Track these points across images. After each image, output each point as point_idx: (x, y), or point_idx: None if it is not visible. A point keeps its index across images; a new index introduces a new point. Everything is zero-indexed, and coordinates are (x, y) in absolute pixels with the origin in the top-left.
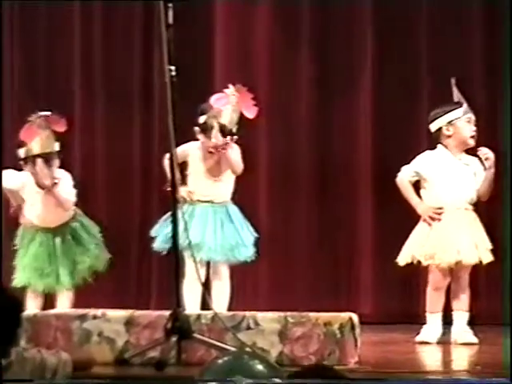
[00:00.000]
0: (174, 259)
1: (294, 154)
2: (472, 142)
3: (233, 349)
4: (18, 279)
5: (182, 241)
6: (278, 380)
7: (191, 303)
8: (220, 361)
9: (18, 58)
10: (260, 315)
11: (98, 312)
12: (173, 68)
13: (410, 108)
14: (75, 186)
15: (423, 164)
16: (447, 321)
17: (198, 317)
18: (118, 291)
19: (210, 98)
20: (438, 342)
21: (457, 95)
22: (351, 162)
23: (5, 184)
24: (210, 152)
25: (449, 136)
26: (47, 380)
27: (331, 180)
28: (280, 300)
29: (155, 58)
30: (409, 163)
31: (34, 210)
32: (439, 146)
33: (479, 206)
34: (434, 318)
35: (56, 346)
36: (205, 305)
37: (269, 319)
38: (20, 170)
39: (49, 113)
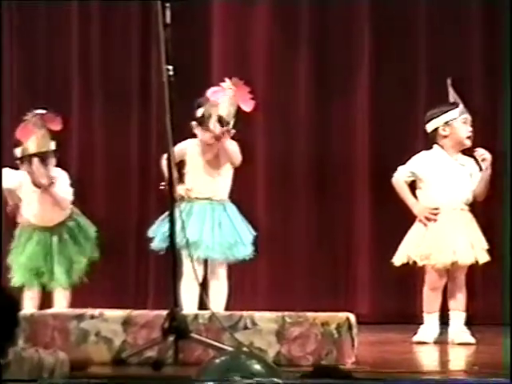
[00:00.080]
0: (171, 258)
1: (292, 152)
2: (468, 143)
3: (230, 349)
4: (15, 279)
5: (180, 240)
6: (276, 380)
7: (189, 303)
8: (217, 361)
9: (17, 58)
10: (257, 315)
11: (96, 312)
12: (171, 67)
13: (408, 107)
14: (72, 185)
15: (419, 164)
16: (444, 321)
17: (196, 317)
18: (115, 290)
19: (207, 91)
20: (435, 342)
21: (453, 95)
22: (349, 161)
23: (2, 183)
24: (208, 145)
25: (445, 136)
26: (45, 379)
27: (329, 179)
28: (278, 299)
29: (153, 57)
30: (406, 163)
31: (31, 209)
32: (435, 146)
33: (475, 207)
34: (431, 318)
35: (53, 345)
36: (202, 305)
37: (266, 319)
38: (17, 168)
39: (44, 111)
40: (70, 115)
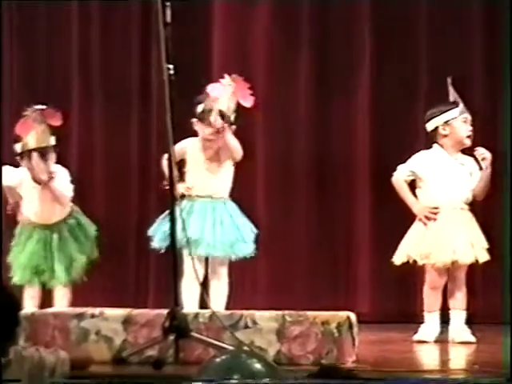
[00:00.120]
0: (172, 257)
1: (293, 152)
2: (468, 142)
3: (231, 348)
4: (16, 277)
5: (180, 239)
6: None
7: (189, 302)
8: (218, 360)
9: (17, 58)
10: (258, 314)
11: (96, 311)
12: (171, 66)
13: (408, 107)
14: (72, 183)
15: (419, 163)
16: (445, 320)
17: (196, 315)
18: (115, 289)
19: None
20: (436, 341)
21: (453, 95)
22: (349, 161)
23: (2, 180)
24: (209, 140)
25: (445, 136)
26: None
27: (329, 178)
28: (278, 298)
29: (153, 56)
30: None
31: (32, 207)
32: (435, 145)
33: (475, 206)
34: (432, 317)
35: (54, 344)
36: (203, 304)
37: (266, 318)
38: (17, 166)
39: (44, 106)
40: (70, 115)
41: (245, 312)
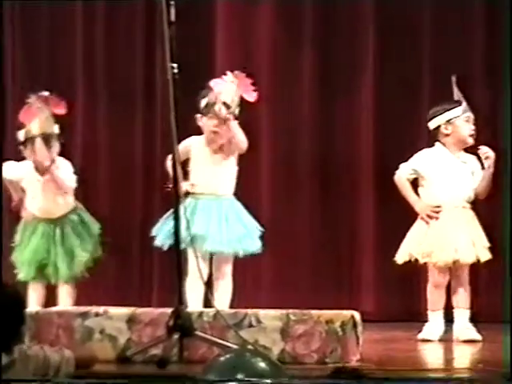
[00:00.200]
0: (176, 256)
1: (296, 151)
2: (471, 141)
3: (235, 346)
4: (21, 273)
5: (184, 237)
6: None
7: (193, 301)
8: (222, 358)
9: (21, 58)
10: (262, 313)
11: (100, 309)
12: (175, 65)
13: (411, 106)
14: (76, 173)
15: (421, 162)
16: (449, 319)
17: (200, 314)
18: (120, 288)
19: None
20: (440, 340)
21: (457, 94)
22: (353, 160)
23: (5, 175)
24: (214, 133)
25: (447, 135)
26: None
27: (333, 177)
28: (282, 297)
29: (157, 55)
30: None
31: (36, 203)
32: (437, 143)
33: (477, 204)
34: (436, 316)
35: (58, 343)
36: (207, 303)
37: (271, 317)
38: (19, 161)
39: (48, 93)
40: (74, 115)
41: (249, 311)
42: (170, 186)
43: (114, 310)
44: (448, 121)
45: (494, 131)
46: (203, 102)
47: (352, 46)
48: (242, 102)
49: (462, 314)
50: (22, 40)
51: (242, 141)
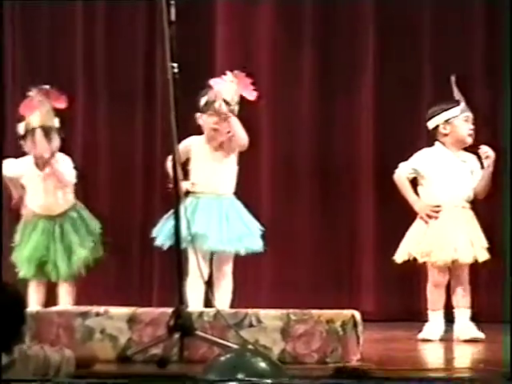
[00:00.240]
0: (176, 256)
1: (296, 151)
2: (469, 140)
3: (235, 346)
4: (22, 271)
5: (185, 237)
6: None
7: (194, 301)
8: (222, 358)
9: (21, 58)
10: (262, 312)
11: (101, 309)
12: (175, 65)
13: (412, 106)
14: (76, 168)
15: (421, 161)
16: (449, 318)
17: (201, 314)
18: (120, 287)
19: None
20: (441, 340)
21: (457, 93)
22: (353, 160)
23: (5, 172)
24: (215, 130)
25: (446, 134)
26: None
27: (333, 177)
28: (282, 296)
29: (158, 55)
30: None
31: (36, 200)
32: (437, 143)
33: (477, 204)
34: (436, 316)
35: (58, 343)
36: (207, 302)
37: (271, 316)
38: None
39: (48, 87)
40: (74, 111)
41: (249, 311)
42: (171, 186)
43: (115, 310)
44: (446, 120)
45: (493, 131)
46: (203, 100)
47: (352, 46)
48: (242, 102)
49: (462, 313)
50: (22, 40)
51: (242, 137)
